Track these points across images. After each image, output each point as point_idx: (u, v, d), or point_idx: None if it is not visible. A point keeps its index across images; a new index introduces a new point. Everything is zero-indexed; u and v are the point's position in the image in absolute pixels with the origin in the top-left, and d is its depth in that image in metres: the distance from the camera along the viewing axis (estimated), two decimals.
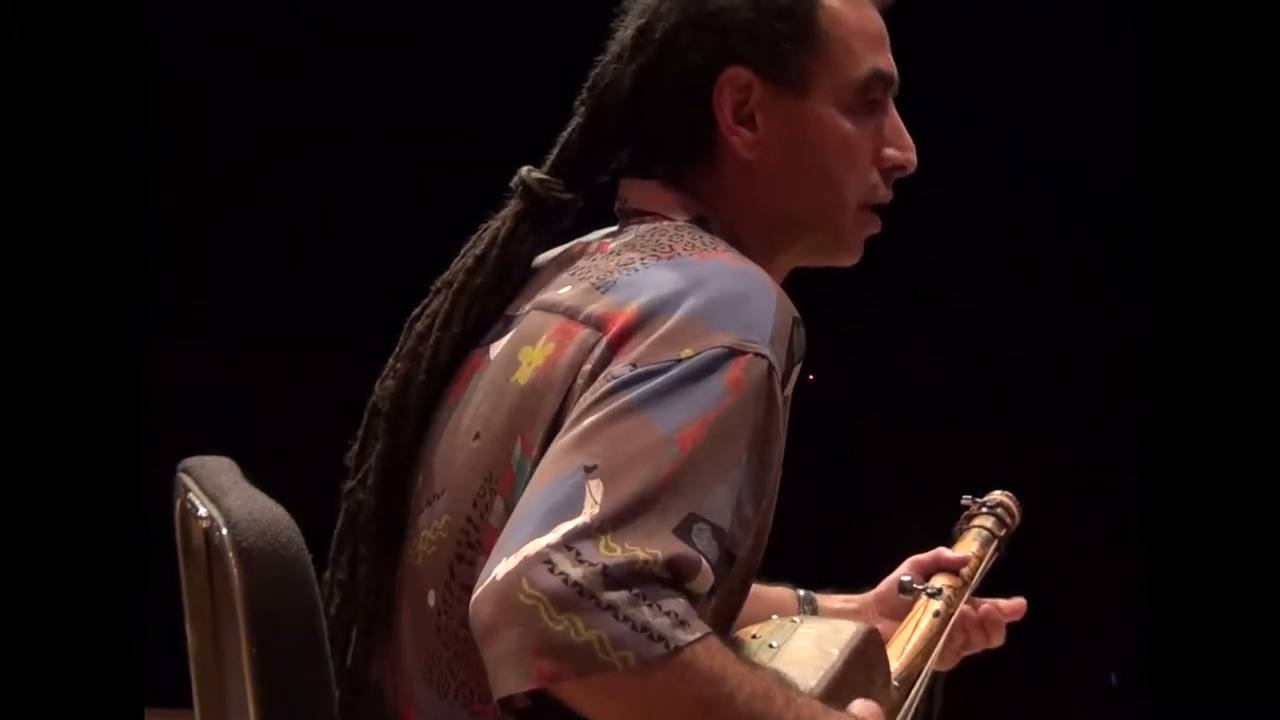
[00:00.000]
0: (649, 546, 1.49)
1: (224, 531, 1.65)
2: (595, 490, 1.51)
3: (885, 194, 1.84)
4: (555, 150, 1.82)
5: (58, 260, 4.48)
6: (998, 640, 2.18)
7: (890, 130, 1.82)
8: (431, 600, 1.68)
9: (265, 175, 5.68)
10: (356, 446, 1.80)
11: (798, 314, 1.65)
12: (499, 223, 1.81)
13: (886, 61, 1.82)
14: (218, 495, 1.70)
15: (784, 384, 1.62)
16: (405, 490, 1.75)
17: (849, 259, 1.86)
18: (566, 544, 1.48)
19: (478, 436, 1.69)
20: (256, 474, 1.80)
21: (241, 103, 5.57)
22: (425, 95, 5.65)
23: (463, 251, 1.82)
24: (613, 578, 1.47)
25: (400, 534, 1.74)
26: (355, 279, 5.61)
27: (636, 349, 1.59)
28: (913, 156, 1.83)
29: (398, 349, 1.81)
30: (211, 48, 5.45)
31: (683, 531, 1.51)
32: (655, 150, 1.80)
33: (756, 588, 1.77)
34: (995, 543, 2.17)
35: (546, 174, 1.81)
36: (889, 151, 1.82)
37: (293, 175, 5.71)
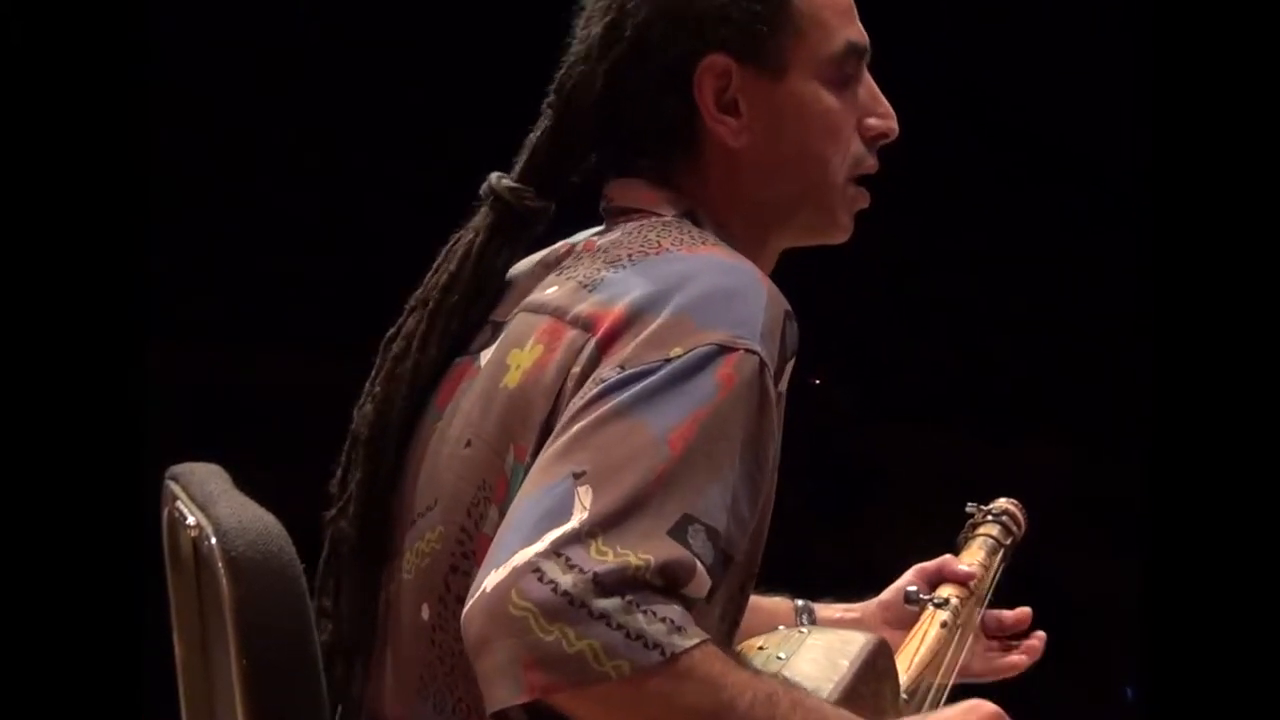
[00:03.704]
0: (641, 551, 1.46)
1: (212, 541, 1.62)
2: (584, 496, 1.48)
3: (872, 163, 1.82)
4: (524, 155, 1.79)
5: (57, 260, 4.47)
6: (1031, 656, 2.14)
7: (868, 99, 1.81)
8: (426, 614, 1.65)
9: (265, 176, 5.65)
10: (339, 473, 1.77)
11: (790, 308, 1.62)
12: (472, 235, 1.78)
13: (858, 32, 1.80)
14: (206, 503, 1.67)
15: (777, 380, 1.59)
16: (388, 516, 1.72)
17: (840, 236, 1.84)
18: (556, 551, 1.45)
19: (469, 444, 1.66)
20: (254, 480, 1.77)
21: (241, 102, 5.55)
22: (425, 95, 5.62)
23: (435, 266, 1.79)
24: (604, 585, 1.44)
25: (384, 559, 1.71)
26: (354, 281, 5.59)
27: (624, 350, 1.56)
28: (894, 123, 1.82)
29: (374, 372, 1.78)
30: (211, 48, 5.43)
31: (677, 533, 1.48)
32: (636, 147, 1.77)
33: (753, 598, 1.73)
34: (1002, 552, 2.14)
35: (517, 180, 1.77)
36: (870, 121, 1.81)
37: (293, 176, 5.69)
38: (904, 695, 1.84)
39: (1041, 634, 2.16)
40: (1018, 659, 2.15)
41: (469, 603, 1.48)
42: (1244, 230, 4.75)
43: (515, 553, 1.46)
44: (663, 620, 1.45)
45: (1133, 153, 5.30)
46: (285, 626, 1.60)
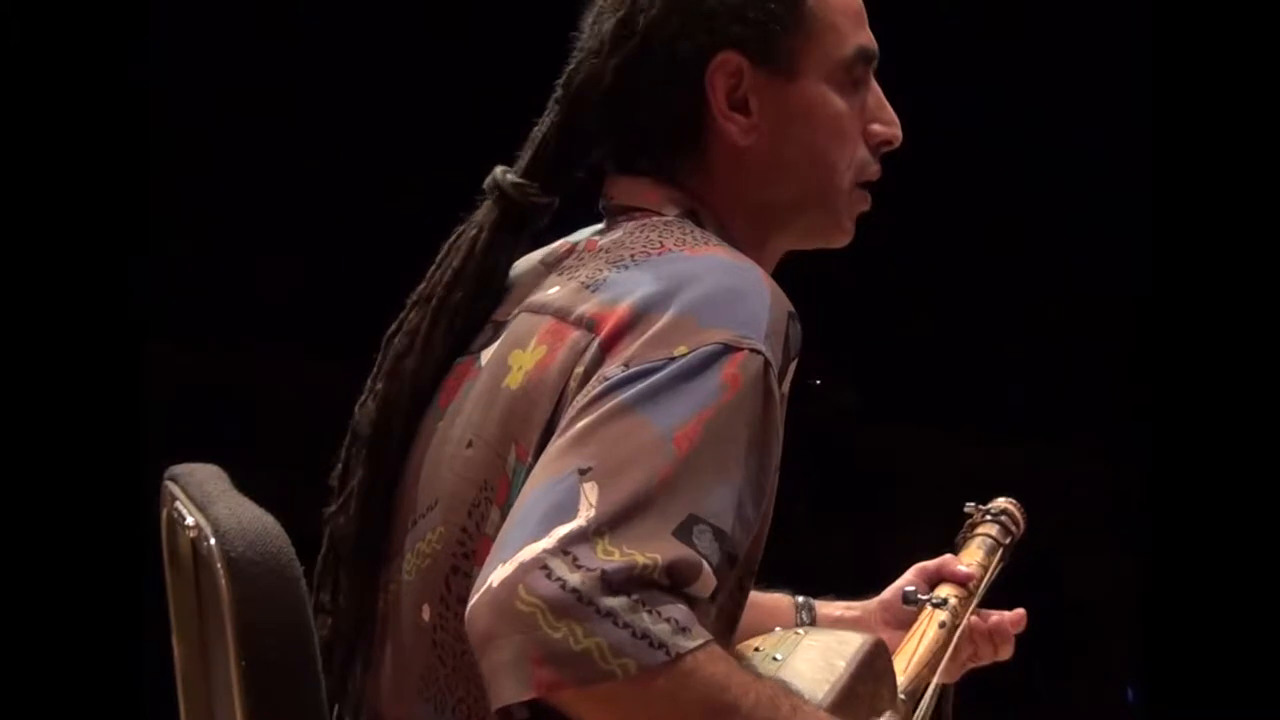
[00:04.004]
0: (648, 550, 1.46)
1: (211, 541, 1.61)
2: (590, 493, 1.48)
3: (875, 170, 1.82)
4: (529, 150, 1.78)
5: (57, 261, 4.47)
6: (1006, 653, 2.14)
7: (874, 105, 1.81)
8: (426, 615, 1.65)
9: (264, 177, 5.65)
10: (339, 468, 1.76)
11: (793, 308, 1.62)
12: (475, 230, 1.77)
13: (869, 37, 1.80)
14: (205, 504, 1.67)
15: (780, 380, 1.59)
16: (389, 514, 1.71)
17: (842, 239, 1.84)
18: (563, 549, 1.45)
19: (470, 445, 1.65)
20: (254, 480, 1.76)
21: (241, 103, 5.55)
22: (425, 95, 5.62)
23: (438, 262, 1.78)
24: (611, 583, 1.44)
25: (384, 557, 1.71)
26: (354, 282, 5.59)
27: (629, 349, 1.56)
28: (898, 130, 1.82)
29: (376, 369, 1.77)
30: (211, 48, 5.42)
31: (683, 533, 1.48)
32: (642, 144, 1.76)
33: (753, 595, 1.73)
34: (1000, 551, 2.13)
35: (522, 175, 1.77)
36: (875, 127, 1.80)
37: (292, 177, 5.69)
38: (901, 695, 1.83)
39: (1021, 611, 2.15)
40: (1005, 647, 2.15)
41: (474, 598, 1.47)
42: (1244, 231, 4.76)
43: (521, 548, 1.46)
44: (667, 620, 1.45)
45: (1133, 153, 5.30)
46: (284, 627, 1.60)
